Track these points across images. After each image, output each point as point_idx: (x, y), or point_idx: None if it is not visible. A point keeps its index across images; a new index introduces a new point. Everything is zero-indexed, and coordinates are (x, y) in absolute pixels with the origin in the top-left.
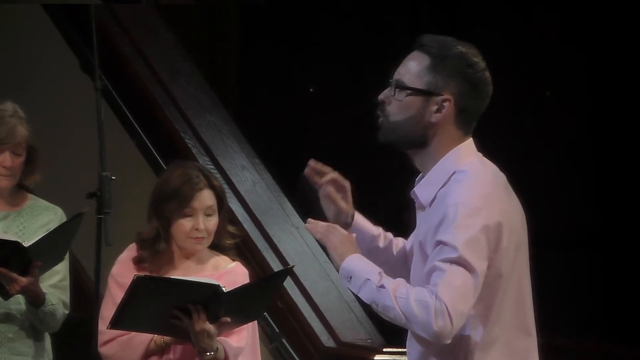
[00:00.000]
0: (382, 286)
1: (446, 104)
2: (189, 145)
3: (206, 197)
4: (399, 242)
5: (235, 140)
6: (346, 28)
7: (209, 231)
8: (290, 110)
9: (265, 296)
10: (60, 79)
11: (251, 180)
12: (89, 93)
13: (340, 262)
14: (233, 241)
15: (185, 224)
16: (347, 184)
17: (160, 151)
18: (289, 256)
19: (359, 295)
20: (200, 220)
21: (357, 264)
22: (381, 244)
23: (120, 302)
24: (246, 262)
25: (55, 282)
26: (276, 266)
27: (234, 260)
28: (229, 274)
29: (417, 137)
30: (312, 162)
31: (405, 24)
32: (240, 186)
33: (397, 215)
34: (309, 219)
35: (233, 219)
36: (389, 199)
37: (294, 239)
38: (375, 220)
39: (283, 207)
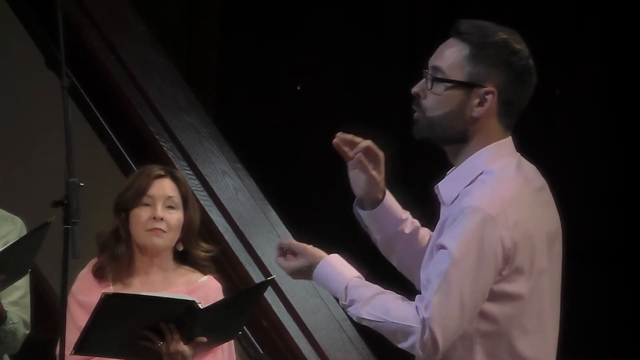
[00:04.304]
0: (351, 302)
1: (489, 96)
2: (165, 148)
3: (166, 186)
4: (425, 233)
5: (215, 144)
6: (336, 21)
7: (170, 225)
8: (275, 111)
9: (244, 312)
10: (23, 76)
11: (233, 187)
12: (55, 91)
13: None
14: (206, 255)
15: (142, 213)
16: (381, 154)
17: (133, 155)
18: (275, 270)
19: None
20: (158, 208)
21: (326, 273)
22: (407, 229)
23: (86, 324)
24: (228, 277)
25: (15, 299)
26: (260, 281)
27: (205, 274)
28: (200, 288)
29: (456, 133)
30: (340, 134)
31: (401, 18)
32: (221, 194)
33: None
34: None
35: (213, 230)
36: None
37: None
38: None
39: (268, 216)
